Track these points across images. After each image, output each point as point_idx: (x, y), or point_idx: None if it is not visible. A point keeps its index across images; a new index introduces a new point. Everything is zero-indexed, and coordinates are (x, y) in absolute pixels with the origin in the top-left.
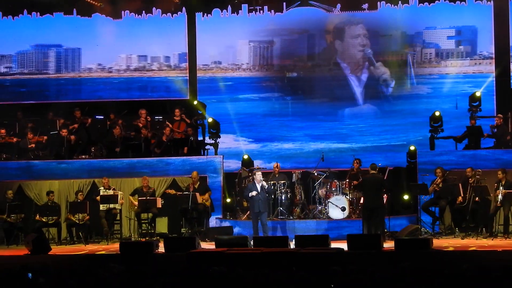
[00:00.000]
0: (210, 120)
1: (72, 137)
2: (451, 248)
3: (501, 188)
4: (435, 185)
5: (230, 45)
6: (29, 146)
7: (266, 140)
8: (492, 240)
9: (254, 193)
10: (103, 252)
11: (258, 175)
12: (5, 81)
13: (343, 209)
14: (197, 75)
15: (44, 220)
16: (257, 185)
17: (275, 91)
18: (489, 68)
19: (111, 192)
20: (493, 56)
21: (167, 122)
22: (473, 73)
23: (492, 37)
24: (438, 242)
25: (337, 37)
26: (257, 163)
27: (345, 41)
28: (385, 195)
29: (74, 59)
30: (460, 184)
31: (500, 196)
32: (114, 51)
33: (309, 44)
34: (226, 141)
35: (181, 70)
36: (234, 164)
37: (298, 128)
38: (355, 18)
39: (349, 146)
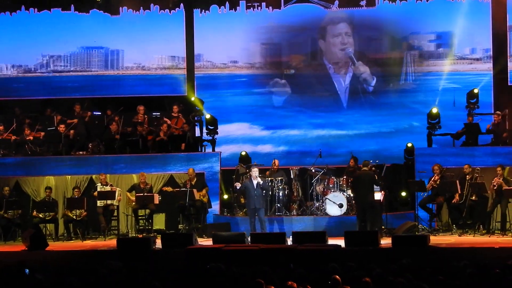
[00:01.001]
0: (207, 116)
1: (72, 131)
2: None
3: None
4: (432, 182)
5: (229, 42)
6: (27, 142)
7: (276, 127)
8: (489, 237)
9: (238, 184)
10: (100, 249)
11: (254, 172)
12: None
13: (340, 205)
14: (195, 71)
15: (41, 216)
16: (253, 181)
17: (277, 86)
18: (487, 66)
19: (108, 188)
20: (491, 53)
21: (164, 118)
22: (471, 71)
23: (490, 34)
24: (435, 239)
25: (321, 36)
26: (267, 147)
27: (327, 40)
28: (382, 192)
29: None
30: (457, 181)
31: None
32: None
33: (304, 42)
34: (242, 128)
35: (180, 66)
36: (248, 148)
37: (302, 118)
38: (337, 16)
39: (346, 133)
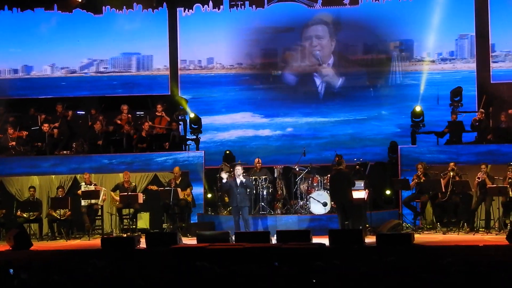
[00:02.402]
0: (192, 115)
1: (55, 130)
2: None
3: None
4: (416, 180)
5: (212, 41)
6: (10, 142)
7: (273, 116)
8: (474, 235)
9: (223, 175)
10: (84, 248)
11: (238, 170)
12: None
13: (324, 204)
14: (179, 70)
15: (25, 215)
16: (237, 179)
17: (266, 83)
18: (471, 65)
19: (92, 187)
20: (475, 52)
21: (146, 123)
22: (454, 69)
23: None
24: (420, 237)
25: (302, 37)
26: (265, 132)
27: (303, 41)
28: (366, 190)
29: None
30: (441, 179)
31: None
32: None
33: (289, 41)
34: (246, 116)
35: (163, 66)
36: (251, 133)
37: (294, 107)
38: (318, 17)
39: (329, 120)
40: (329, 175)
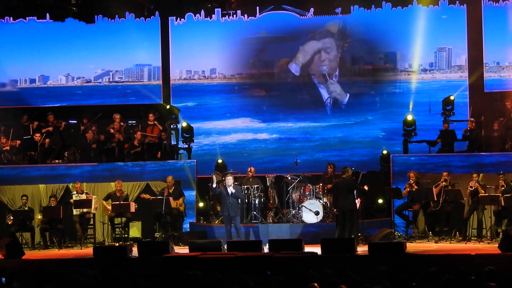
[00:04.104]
0: (184, 124)
1: (47, 140)
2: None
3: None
4: (408, 189)
5: (204, 50)
6: (4, 149)
7: (270, 121)
8: (466, 243)
9: (214, 180)
10: (77, 257)
11: (229, 180)
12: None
13: (316, 213)
14: (172, 79)
15: (17, 224)
16: (228, 189)
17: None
18: (464, 74)
19: (83, 196)
20: (467, 61)
21: (138, 132)
22: (452, 78)
23: (465, 42)
24: (412, 246)
25: (303, 47)
26: (262, 135)
27: (307, 52)
28: (358, 199)
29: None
30: (433, 188)
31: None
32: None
33: (286, 51)
34: (246, 121)
35: (155, 77)
36: (250, 136)
37: (289, 114)
38: (324, 30)
39: (319, 124)
40: (320, 184)
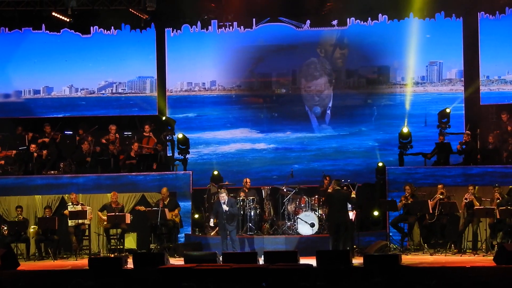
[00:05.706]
0: (180, 136)
1: (44, 151)
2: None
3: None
4: (404, 201)
5: (201, 61)
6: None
7: (268, 131)
8: (461, 256)
9: (211, 223)
10: (72, 268)
11: (222, 196)
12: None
13: (312, 225)
14: (173, 90)
15: (12, 235)
16: (222, 206)
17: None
18: (459, 87)
19: (79, 207)
20: (463, 74)
21: (133, 139)
22: (443, 91)
23: (461, 54)
24: (407, 258)
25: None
26: (260, 145)
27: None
28: (354, 211)
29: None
30: (429, 201)
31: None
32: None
33: (281, 64)
34: (245, 132)
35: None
36: (249, 146)
37: (285, 124)
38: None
39: (315, 135)
40: (316, 196)
